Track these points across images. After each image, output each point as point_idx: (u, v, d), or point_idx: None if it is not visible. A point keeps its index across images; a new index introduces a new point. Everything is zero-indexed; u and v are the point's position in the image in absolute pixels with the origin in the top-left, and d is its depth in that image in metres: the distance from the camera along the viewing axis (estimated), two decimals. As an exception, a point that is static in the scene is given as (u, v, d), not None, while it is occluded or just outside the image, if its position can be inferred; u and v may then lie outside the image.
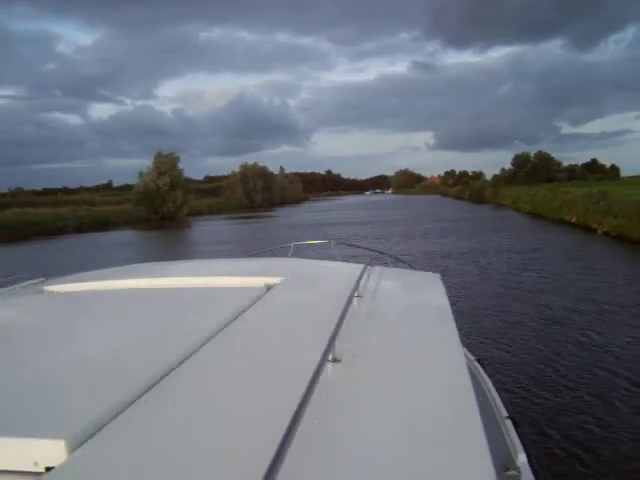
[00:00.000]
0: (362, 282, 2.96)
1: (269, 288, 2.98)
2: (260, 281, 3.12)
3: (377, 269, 3.87)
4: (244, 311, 2.47)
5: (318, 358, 1.65)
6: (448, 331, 2.38)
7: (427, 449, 1.38)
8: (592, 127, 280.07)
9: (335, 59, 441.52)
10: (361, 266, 3.37)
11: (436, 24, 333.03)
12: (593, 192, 36.66)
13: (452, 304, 2.92)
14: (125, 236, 46.69)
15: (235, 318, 2.35)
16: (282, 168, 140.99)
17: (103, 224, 58.78)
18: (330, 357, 1.84)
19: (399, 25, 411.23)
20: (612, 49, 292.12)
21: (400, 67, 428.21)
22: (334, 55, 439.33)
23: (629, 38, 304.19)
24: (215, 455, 1.26)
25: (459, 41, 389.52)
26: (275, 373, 1.78)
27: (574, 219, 34.20)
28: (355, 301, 2.69)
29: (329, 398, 1.61)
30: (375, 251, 6.35)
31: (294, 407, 1.32)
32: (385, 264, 5.03)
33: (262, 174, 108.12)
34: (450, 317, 2.59)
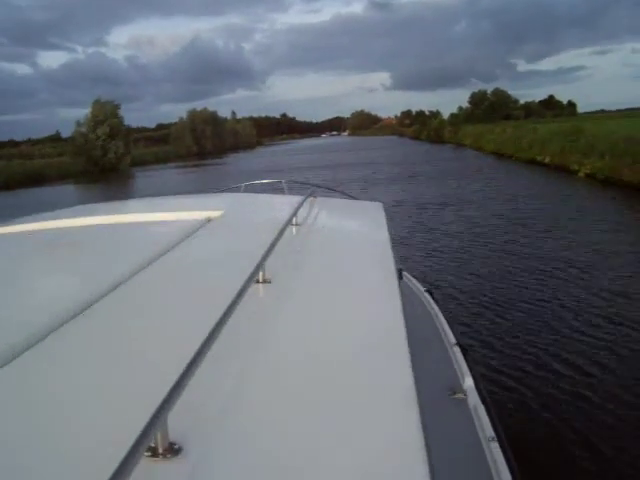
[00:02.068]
0: (301, 211, 3.03)
1: (209, 220, 3.14)
2: (201, 215, 3.25)
3: (319, 200, 3.91)
4: (180, 242, 2.61)
5: (244, 279, 1.69)
6: (383, 257, 2.47)
7: (351, 367, 1.41)
8: (548, 64, 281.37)
9: (291, 0, 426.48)
10: (302, 197, 3.39)
11: None
12: (565, 128, 33.74)
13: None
14: (56, 193, 41.94)
15: (171, 249, 2.48)
16: (234, 112, 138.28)
17: (36, 179, 53.55)
18: (259, 278, 1.92)
19: None
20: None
21: (356, 7, 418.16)
22: None
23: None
24: (120, 380, 1.34)
25: None
26: (200, 297, 1.89)
27: (547, 159, 31.36)
28: (293, 229, 2.82)
29: (255, 315, 1.72)
30: (324, 187, 6.22)
31: (212, 324, 1.34)
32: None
33: (212, 120, 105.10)
34: (387, 244, 2.69)
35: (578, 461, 5.01)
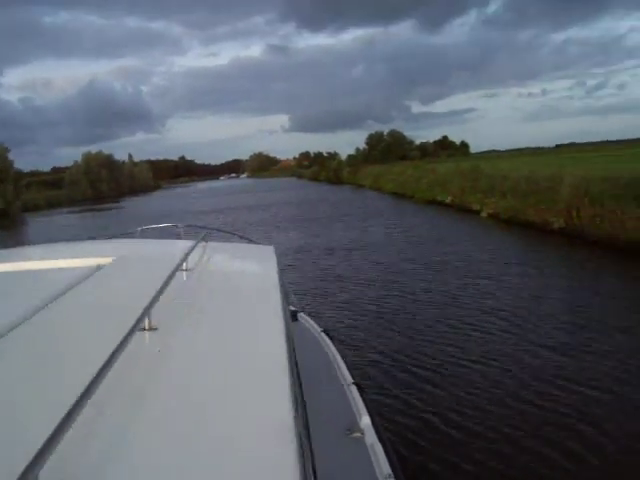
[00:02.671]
0: (193, 256, 3.04)
1: (99, 268, 3.08)
2: (91, 262, 3.22)
3: (212, 244, 3.92)
4: (68, 290, 2.55)
5: (129, 327, 1.70)
6: (271, 299, 2.48)
7: (233, 410, 1.44)
8: (441, 106, 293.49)
9: (188, 43, 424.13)
10: (194, 242, 3.44)
11: (291, 6, 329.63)
12: (464, 167, 33.85)
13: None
14: None
15: (58, 298, 2.42)
16: (130, 155, 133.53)
17: None
18: (145, 325, 1.91)
19: (253, 8, 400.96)
20: (457, 32, 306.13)
21: (254, 50, 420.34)
22: (187, 39, 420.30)
23: (471, 21, 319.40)
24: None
25: (314, 23, 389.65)
26: (84, 346, 1.87)
27: (449, 199, 31.18)
28: (184, 274, 2.81)
29: (140, 363, 1.70)
30: (220, 230, 6.47)
31: (93, 373, 1.34)
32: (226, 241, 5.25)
33: (107, 163, 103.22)
34: (276, 287, 2.71)
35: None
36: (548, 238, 18.14)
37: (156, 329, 1.94)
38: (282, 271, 3.56)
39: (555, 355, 8.06)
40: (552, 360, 7.88)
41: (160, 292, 2.07)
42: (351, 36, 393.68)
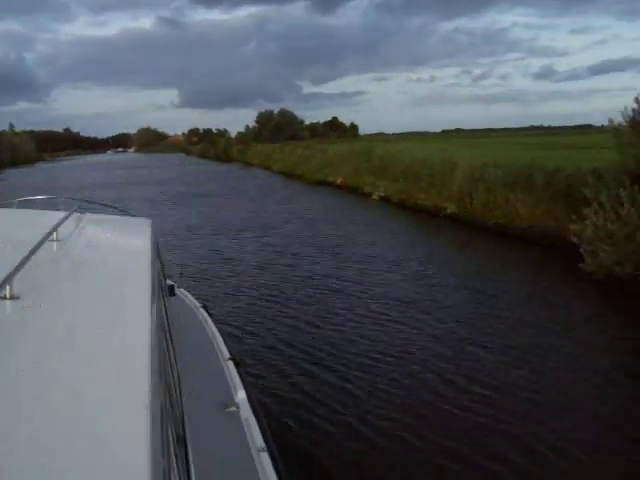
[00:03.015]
0: (64, 227, 2.95)
1: None
2: None
3: (87, 216, 3.83)
4: None
5: None
6: (142, 273, 2.44)
7: (91, 383, 1.41)
8: (332, 87, 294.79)
9: (76, 10, 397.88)
10: (67, 213, 3.31)
11: None
12: (357, 149, 33.51)
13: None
14: None
15: None
16: (12, 125, 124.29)
17: None
18: (6, 294, 1.87)
19: None
20: (350, 14, 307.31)
21: (145, 22, 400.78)
22: (75, 6, 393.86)
23: (364, 5, 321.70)
24: None
25: None
26: None
27: (340, 180, 30.76)
28: (54, 245, 2.72)
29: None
30: (97, 203, 6.23)
31: None
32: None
33: None
34: (148, 260, 2.67)
35: (347, 468, 5.22)
36: (440, 223, 18.00)
37: (18, 298, 1.88)
38: (157, 244, 3.58)
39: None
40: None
41: (24, 262, 2.00)
42: (245, 13, 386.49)
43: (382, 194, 24.08)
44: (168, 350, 2.62)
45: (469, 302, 9.77)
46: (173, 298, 5.40)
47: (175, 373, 2.68)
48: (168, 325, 3.09)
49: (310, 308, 9.77)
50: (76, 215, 3.52)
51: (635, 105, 10.80)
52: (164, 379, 1.89)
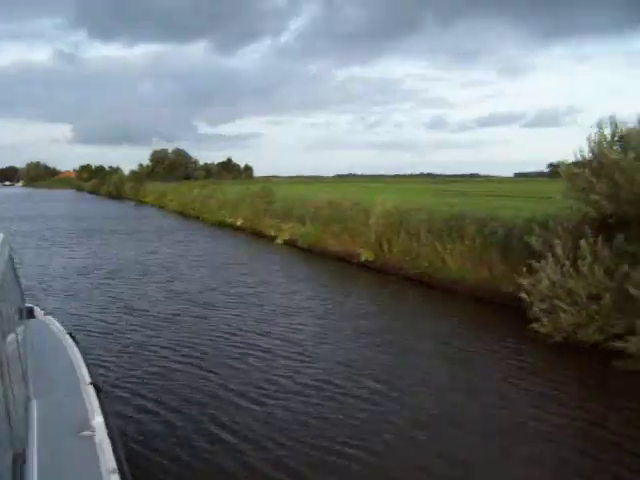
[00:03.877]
0: None
1: None
2: None
3: None
4: None
5: None
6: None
7: None
8: (228, 128, 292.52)
9: None
10: None
11: (83, 13, 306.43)
12: (256, 190, 31.68)
13: None
14: None
15: None
16: None
17: None
18: None
19: (42, 9, 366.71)
20: (249, 57, 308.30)
21: (41, 54, 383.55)
22: None
23: (264, 49, 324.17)
24: None
25: (106, 33, 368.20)
26: None
27: (240, 222, 28.83)
28: None
29: None
30: None
31: None
32: None
33: None
34: (11, 281, 2.78)
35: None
36: (355, 271, 16.43)
37: None
38: (12, 260, 3.73)
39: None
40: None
41: None
42: (144, 50, 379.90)
43: (287, 238, 22.39)
44: (9, 373, 2.55)
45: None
46: (34, 322, 5.41)
47: (20, 395, 2.68)
48: (19, 347, 3.09)
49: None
50: None
51: (588, 150, 9.70)
52: (20, 405, 1.94)
